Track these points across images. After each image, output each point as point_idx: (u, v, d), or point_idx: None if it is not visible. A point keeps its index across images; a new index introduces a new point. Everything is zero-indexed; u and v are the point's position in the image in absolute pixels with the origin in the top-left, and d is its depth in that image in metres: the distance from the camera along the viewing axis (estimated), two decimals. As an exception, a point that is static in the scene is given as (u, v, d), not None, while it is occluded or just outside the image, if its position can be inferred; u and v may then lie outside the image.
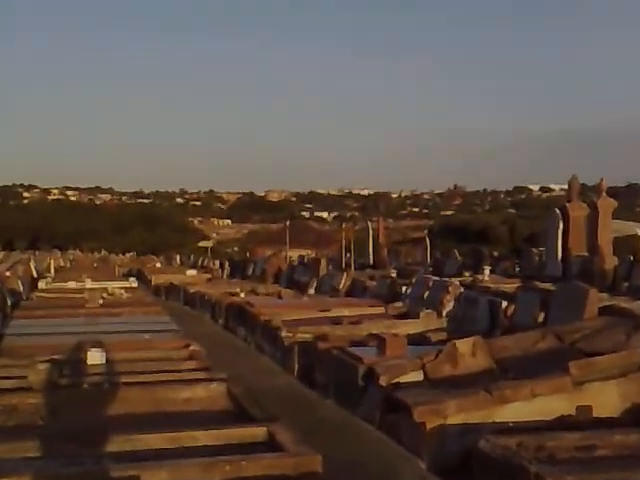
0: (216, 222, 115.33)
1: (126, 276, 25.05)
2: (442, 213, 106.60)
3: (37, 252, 51.46)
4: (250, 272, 26.47)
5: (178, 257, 41.53)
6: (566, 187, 19.72)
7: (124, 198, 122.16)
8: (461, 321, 9.75)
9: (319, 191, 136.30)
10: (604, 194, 17.64)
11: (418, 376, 5.79)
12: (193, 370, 6.05)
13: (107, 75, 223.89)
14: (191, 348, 6.98)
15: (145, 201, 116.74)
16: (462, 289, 11.12)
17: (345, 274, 17.05)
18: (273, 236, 49.15)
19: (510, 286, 12.81)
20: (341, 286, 15.93)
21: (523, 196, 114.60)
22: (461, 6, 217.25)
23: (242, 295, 14.45)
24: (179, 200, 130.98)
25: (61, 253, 52.27)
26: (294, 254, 32.08)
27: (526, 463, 3.92)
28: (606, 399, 5.13)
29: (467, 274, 17.64)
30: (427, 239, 27.54)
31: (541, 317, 8.76)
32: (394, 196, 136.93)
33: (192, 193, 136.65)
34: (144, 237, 68.77)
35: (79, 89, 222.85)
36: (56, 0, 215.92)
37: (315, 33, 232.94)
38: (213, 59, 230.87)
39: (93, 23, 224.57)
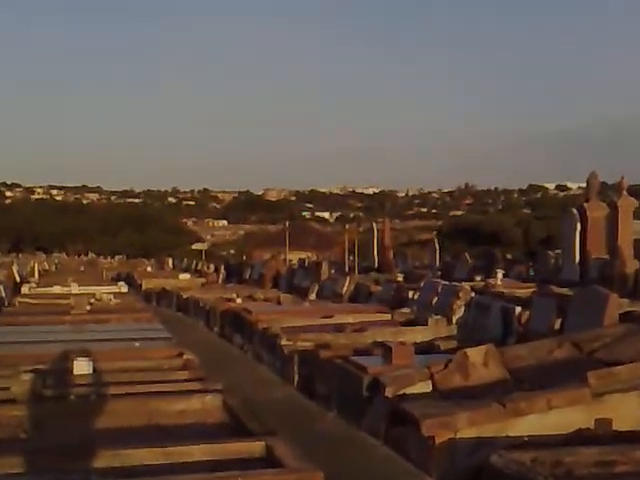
0: (211, 223, 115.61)
1: (115, 280, 25.13)
2: (452, 213, 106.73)
3: (20, 255, 51.52)
4: (247, 276, 26.49)
5: (170, 260, 41.58)
6: (584, 185, 19.73)
7: (113, 198, 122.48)
8: (472, 328, 9.74)
9: (320, 190, 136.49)
10: (625, 193, 17.61)
11: (426, 387, 5.79)
12: (187, 381, 6.05)
13: (94, 68, 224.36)
14: (184, 357, 6.98)
15: (135, 201, 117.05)
16: (473, 294, 11.11)
17: (348, 278, 17.05)
18: (271, 238, 49.16)
19: (524, 291, 12.83)
20: (344, 291, 15.93)
21: (538, 195, 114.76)
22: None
23: (239, 301, 14.46)
24: (171, 200, 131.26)
25: (46, 256, 52.42)
26: (294, 257, 32.11)
27: (542, 480, 3.92)
28: (627, 411, 5.13)
29: (478, 278, 17.66)
30: (436, 241, 27.57)
31: (557, 324, 8.75)
32: (400, 195, 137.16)
33: (185, 192, 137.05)
34: (134, 239, 68.89)
35: (63, 82, 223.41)
36: None
37: (313, 28, 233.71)
38: (203, 50, 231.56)
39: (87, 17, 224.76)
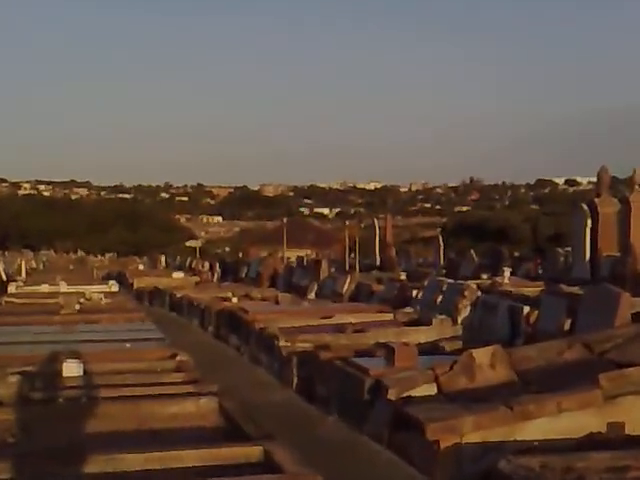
0: (205, 219, 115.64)
1: (105, 279, 25.11)
2: (457, 209, 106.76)
3: (6, 252, 51.44)
4: (243, 275, 26.51)
5: (163, 258, 41.60)
6: (595, 180, 19.72)
7: (102, 193, 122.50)
8: (478, 329, 9.76)
9: (320, 185, 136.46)
10: (637, 187, 17.62)
11: (431, 390, 5.79)
12: (181, 383, 6.05)
13: (84, 59, 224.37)
14: (178, 359, 6.98)
15: (126, 196, 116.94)
16: (479, 293, 11.13)
17: (349, 277, 17.07)
18: (269, 235, 49.21)
19: (533, 290, 12.83)
20: (344, 290, 15.95)
21: (547, 190, 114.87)
22: None
23: (234, 300, 14.48)
24: (164, 195, 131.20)
25: (33, 254, 52.34)
26: (292, 255, 32.14)
27: (551, 486, 3.93)
28: (640, 415, 5.14)
29: (485, 276, 17.63)
30: (440, 238, 27.56)
31: (567, 324, 8.76)
32: (403, 190, 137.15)
33: (178, 187, 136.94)
34: (125, 236, 68.89)
35: (51, 74, 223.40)
36: None
37: (309, 22, 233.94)
38: (198, 45, 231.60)
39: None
